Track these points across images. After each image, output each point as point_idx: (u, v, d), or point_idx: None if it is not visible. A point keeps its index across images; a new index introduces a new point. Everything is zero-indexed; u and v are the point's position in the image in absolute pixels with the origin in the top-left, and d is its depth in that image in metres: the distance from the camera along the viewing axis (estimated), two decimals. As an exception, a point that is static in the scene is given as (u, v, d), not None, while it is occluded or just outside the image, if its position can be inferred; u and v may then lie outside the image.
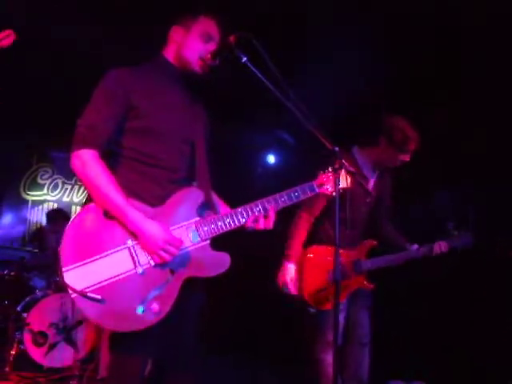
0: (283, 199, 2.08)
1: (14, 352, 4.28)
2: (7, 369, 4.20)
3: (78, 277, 1.76)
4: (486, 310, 4.02)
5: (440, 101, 4.27)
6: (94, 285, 1.76)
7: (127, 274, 1.82)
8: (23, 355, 4.26)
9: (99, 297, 1.75)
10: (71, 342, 4.34)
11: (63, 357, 4.31)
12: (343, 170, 2.04)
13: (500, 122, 4.03)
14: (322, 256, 2.92)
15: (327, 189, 2.14)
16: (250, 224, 2.04)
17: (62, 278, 1.75)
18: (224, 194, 2.24)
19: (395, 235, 3.23)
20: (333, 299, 2.13)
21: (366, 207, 3.08)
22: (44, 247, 5.38)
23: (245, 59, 1.95)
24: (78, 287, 1.74)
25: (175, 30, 2.14)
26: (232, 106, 4.93)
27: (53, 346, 4.33)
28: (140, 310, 1.79)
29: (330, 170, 2.11)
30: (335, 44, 3.88)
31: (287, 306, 3.06)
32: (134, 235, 1.86)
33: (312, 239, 2.96)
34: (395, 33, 3.92)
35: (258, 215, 2.03)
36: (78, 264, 1.77)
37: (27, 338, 4.30)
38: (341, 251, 2.14)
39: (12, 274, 4.78)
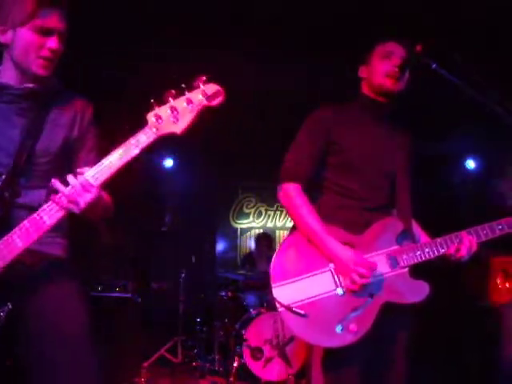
0: (485, 232, 2.05)
1: (235, 364, 4.66)
2: (231, 379, 4.63)
3: (285, 293, 1.96)
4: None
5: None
6: (299, 301, 1.94)
7: (329, 294, 1.96)
8: (244, 368, 4.61)
9: (303, 312, 1.92)
10: (285, 357, 4.56)
11: (278, 371, 4.56)
12: None
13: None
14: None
15: None
16: (451, 252, 2.04)
17: (272, 293, 1.98)
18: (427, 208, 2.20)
19: None
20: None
21: None
22: (254, 269, 5.79)
23: (434, 65, 1.91)
24: (285, 302, 1.94)
25: (360, 69, 2.26)
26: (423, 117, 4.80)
27: (268, 361, 4.59)
28: (339, 328, 1.91)
29: None
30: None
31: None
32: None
33: None
34: None
35: (458, 245, 2.03)
36: (285, 282, 1.98)
37: (246, 352, 4.61)
38: None
39: (229, 295, 5.30)
